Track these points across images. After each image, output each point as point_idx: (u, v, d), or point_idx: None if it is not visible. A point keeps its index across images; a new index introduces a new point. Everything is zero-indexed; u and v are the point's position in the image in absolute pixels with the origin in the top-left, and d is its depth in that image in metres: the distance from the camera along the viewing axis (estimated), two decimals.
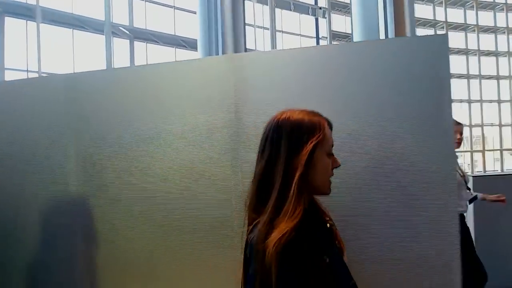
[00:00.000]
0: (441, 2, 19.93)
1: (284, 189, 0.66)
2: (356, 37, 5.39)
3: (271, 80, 1.25)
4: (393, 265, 1.14)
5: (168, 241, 1.31)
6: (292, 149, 0.69)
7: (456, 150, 2.17)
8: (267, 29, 15.06)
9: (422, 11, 19.81)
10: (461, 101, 20.08)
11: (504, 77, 20.65)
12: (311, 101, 1.22)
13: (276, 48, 15.18)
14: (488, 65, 20.56)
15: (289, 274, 0.61)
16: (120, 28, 11.03)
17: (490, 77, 20.60)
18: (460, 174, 2.18)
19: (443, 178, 1.15)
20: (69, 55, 10.23)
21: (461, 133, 2.25)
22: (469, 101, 20.20)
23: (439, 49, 1.16)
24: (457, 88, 20.02)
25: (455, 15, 20.36)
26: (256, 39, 14.83)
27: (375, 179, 1.17)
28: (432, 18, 19.95)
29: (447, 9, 19.99)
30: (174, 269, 1.31)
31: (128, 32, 11.33)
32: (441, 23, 19.93)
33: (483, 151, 20.31)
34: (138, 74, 1.38)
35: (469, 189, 2.32)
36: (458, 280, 1.11)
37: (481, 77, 20.33)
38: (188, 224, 1.29)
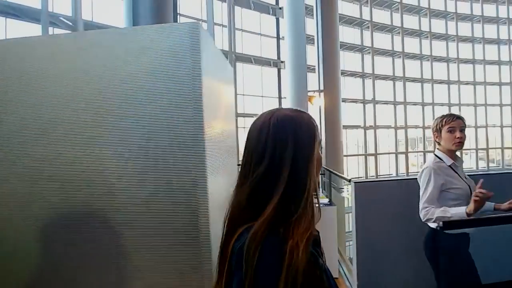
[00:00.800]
0: (398, 9, 20.83)
1: (289, 191, 0.64)
2: (286, 36, 5.36)
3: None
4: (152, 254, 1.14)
5: None
6: (298, 148, 0.66)
7: (457, 150, 1.79)
8: (225, 26, 14.89)
9: (380, 16, 20.61)
10: (415, 104, 21.14)
11: (454, 82, 22.04)
12: (41, 92, 1.06)
13: (234, 46, 15.06)
14: (440, 70, 21.84)
15: (324, 273, 0.62)
16: (61, 18, 10.33)
17: (441, 82, 21.86)
18: (466, 183, 1.76)
19: (193, 175, 1.04)
20: None
21: (461, 130, 1.77)
22: (423, 104, 21.32)
23: (190, 37, 1.07)
24: (412, 92, 21.09)
25: (411, 21, 21.38)
26: (216, 36, 14.61)
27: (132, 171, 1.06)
28: (389, 23, 20.80)
29: (403, 15, 20.93)
30: None
31: (71, 24, 10.64)
32: (397, 28, 20.83)
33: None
34: None
35: None
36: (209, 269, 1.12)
37: (433, 81, 21.53)
38: None
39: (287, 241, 0.59)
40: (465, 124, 1.80)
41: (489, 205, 1.82)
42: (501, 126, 22.50)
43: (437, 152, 1.84)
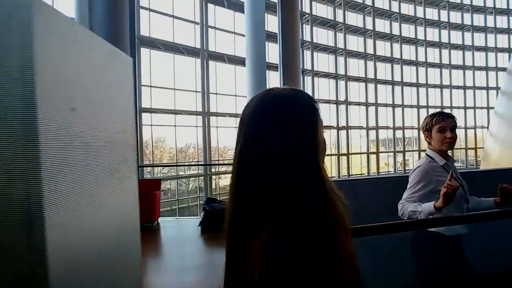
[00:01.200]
0: (370, 12, 21.38)
1: (303, 180, 0.53)
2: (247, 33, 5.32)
3: None
4: None
5: None
6: (303, 133, 0.56)
7: (448, 150, 1.72)
8: (198, 23, 14.65)
9: (353, 19, 21.08)
10: (385, 105, 21.79)
11: (422, 85, 22.93)
12: None
13: (207, 44, 14.85)
14: (409, 73, 22.66)
15: None
16: None
17: (410, 85, 22.67)
18: (459, 183, 1.62)
19: (24, 172, 0.91)
20: None
21: (452, 130, 1.69)
22: (393, 106, 22.02)
23: (20, 16, 0.94)
24: (384, 94, 21.75)
25: (382, 25, 22.02)
26: (188, 34, 14.35)
27: None
28: (362, 26, 21.31)
29: (375, 19, 21.52)
30: None
31: None
32: (370, 31, 21.38)
33: (419, 151, 22.29)
34: None
35: (468, 202, 1.73)
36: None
37: (403, 84, 22.28)
38: None
39: (332, 249, 0.51)
40: (456, 123, 1.71)
41: (491, 202, 1.78)
42: (465, 128, 23.63)
43: (429, 152, 1.77)
